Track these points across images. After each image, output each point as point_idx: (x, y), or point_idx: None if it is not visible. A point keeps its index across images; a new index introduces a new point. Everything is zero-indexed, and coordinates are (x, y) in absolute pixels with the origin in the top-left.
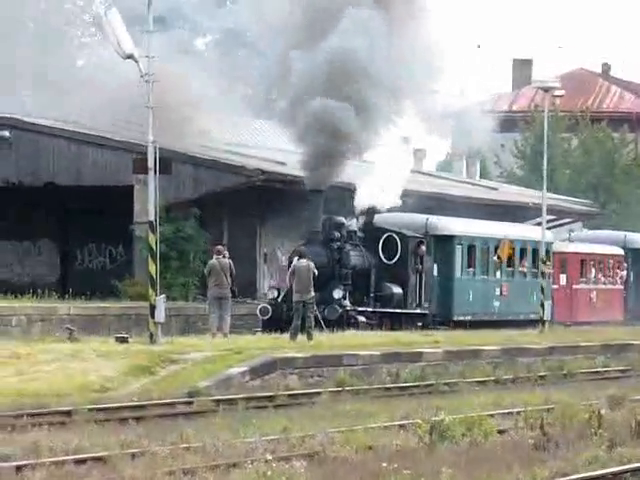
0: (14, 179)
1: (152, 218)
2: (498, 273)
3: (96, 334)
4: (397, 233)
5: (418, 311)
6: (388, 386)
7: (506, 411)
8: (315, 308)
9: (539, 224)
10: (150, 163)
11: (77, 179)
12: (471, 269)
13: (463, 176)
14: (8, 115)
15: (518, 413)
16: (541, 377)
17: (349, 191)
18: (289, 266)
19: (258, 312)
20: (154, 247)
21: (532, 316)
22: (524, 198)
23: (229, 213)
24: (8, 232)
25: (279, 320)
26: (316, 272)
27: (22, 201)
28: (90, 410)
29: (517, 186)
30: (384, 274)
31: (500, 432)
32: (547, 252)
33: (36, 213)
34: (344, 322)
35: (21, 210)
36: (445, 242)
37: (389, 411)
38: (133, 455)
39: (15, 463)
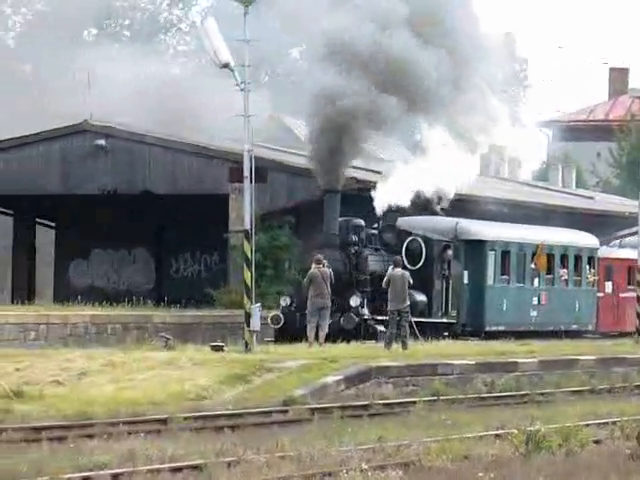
0: (110, 187)
1: (247, 227)
2: (536, 281)
3: (191, 342)
4: (422, 237)
5: (444, 320)
6: (483, 395)
7: (602, 421)
8: (410, 317)
9: (635, 234)
10: (246, 172)
11: (173, 187)
12: (505, 276)
13: (559, 185)
14: (104, 124)
15: (614, 423)
16: (637, 387)
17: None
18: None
19: (269, 321)
20: (249, 255)
21: (574, 327)
22: (620, 207)
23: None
24: (104, 240)
25: (292, 329)
26: (411, 281)
27: (118, 209)
28: (186, 418)
29: (613, 195)
30: None
31: (596, 442)
32: (591, 258)
33: (132, 221)
34: (361, 332)
35: (117, 218)
36: (476, 247)
37: (484, 421)
38: (229, 464)
39: (111, 471)
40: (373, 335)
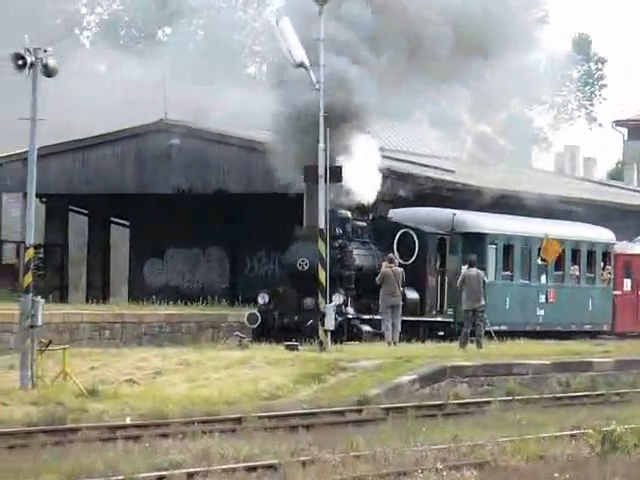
0: (184, 186)
1: (322, 225)
2: (543, 277)
3: (265, 341)
4: (414, 229)
5: (439, 319)
6: (558, 395)
7: None
8: (485, 317)
9: None
10: (321, 171)
11: (247, 186)
12: (508, 272)
13: (634, 184)
14: (178, 122)
15: None
16: None
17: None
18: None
19: (245, 320)
20: (324, 255)
21: (587, 327)
22: None
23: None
24: (178, 239)
25: (270, 328)
26: (486, 280)
27: (192, 208)
28: (260, 417)
29: None
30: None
31: None
32: (606, 254)
33: (206, 220)
34: (344, 332)
35: (191, 217)
36: (475, 241)
37: (559, 420)
38: (303, 463)
39: (186, 470)
40: (357, 335)
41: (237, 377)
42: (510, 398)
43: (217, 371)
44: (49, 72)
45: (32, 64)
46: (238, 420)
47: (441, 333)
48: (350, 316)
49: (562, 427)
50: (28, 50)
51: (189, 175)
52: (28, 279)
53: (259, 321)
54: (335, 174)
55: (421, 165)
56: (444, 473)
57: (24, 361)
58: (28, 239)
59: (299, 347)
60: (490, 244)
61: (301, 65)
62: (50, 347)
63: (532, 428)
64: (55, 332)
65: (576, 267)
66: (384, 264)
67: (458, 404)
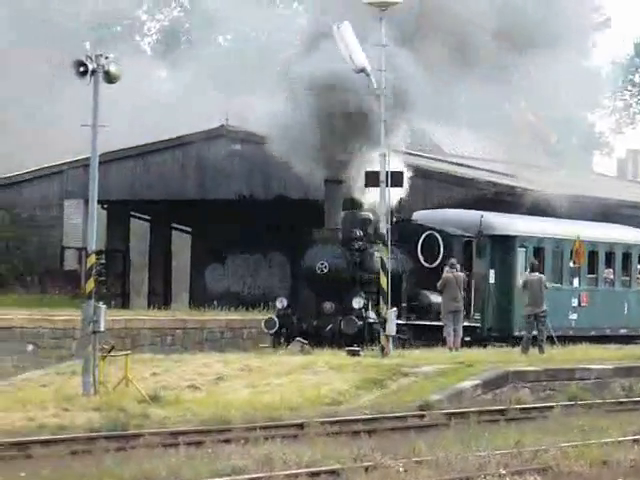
0: (245, 192)
1: (383, 231)
2: (576, 281)
3: (327, 347)
4: (439, 232)
5: (466, 324)
6: (621, 400)
7: None
8: (547, 321)
9: None
10: (382, 176)
11: (306, 192)
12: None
13: None
14: (239, 129)
15: None
16: None
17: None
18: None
19: (263, 325)
20: (385, 260)
21: (623, 331)
22: None
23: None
24: (240, 245)
25: (289, 333)
26: (548, 286)
27: (254, 214)
28: (322, 423)
29: None
30: (422, 280)
31: None
32: None
33: (267, 226)
34: (365, 337)
35: (252, 223)
36: (504, 243)
37: (622, 425)
38: (366, 468)
39: (249, 476)
40: (379, 340)
41: (299, 382)
42: (572, 403)
43: (279, 376)
44: (110, 79)
45: (94, 71)
46: (300, 426)
47: (467, 339)
48: (371, 321)
49: (625, 432)
50: (89, 57)
51: (250, 181)
52: (90, 285)
53: (277, 326)
54: (396, 179)
55: (480, 169)
56: (507, 478)
57: (86, 367)
58: (90, 245)
59: (361, 352)
60: (519, 247)
61: (362, 70)
62: (112, 353)
63: (595, 433)
64: (117, 338)
65: (610, 270)
66: (446, 269)
67: (520, 409)
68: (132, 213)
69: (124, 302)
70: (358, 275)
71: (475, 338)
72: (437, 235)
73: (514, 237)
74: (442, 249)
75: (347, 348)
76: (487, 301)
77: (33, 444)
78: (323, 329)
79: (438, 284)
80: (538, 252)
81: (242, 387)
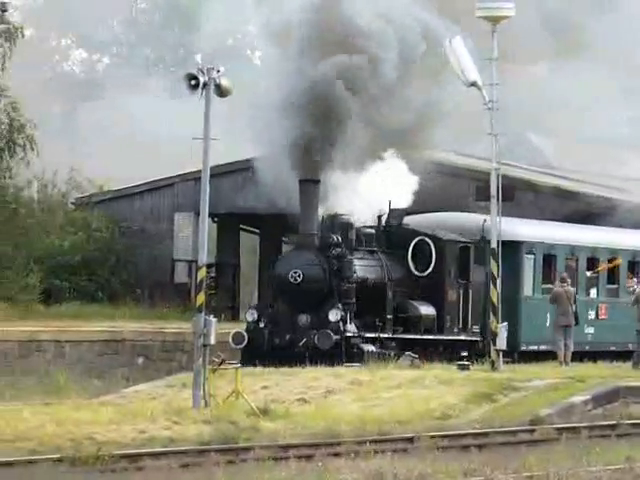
0: None
1: (494, 245)
2: (593, 291)
3: (436, 361)
4: (431, 237)
5: (463, 337)
6: None
7: None
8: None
9: None
10: (493, 190)
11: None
12: (549, 285)
13: None
14: None
15: None
16: None
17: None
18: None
19: (230, 340)
20: (496, 273)
21: None
22: None
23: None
24: None
25: (259, 348)
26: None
27: None
28: (432, 437)
29: None
30: (412, 290)
31: None
32: None
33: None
34: (342, 352)
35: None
36: (509, 250)
37: None
38: None
39: None
40: (358, 356)
41: (408, 396)
42: None
43: (388, 390)
44: (222, 92)
45: (205, 84)
46: (410, 439)
47: (464, 353)
48: (349, 334)
49: None
50: (201, 70)
51: None
52: (201, 298)
53: (245, 341)
54: (507, 194)
55: (586, 182)
56: None
57: (197, 380)
58: (201, 258)
59: (470, 366)
60: (527, 253)
61: (473, 84)
62: (222, 366)
63: None
64: (228, 351)
65: (635, 280)
66: (556, 283)
67: (632, 424)
68: (242, 226)
69: (234, 315)
70: (335, 285)
71: (474, 353)
72: (429, 241)
73: (520, 243)
74: (434, 256)
75: (457, 362)
76: (489, 313)
77: (144, 456)
78: (297, 344)
79: (549, 298)
80: (548, 259)
81: (352, 401)
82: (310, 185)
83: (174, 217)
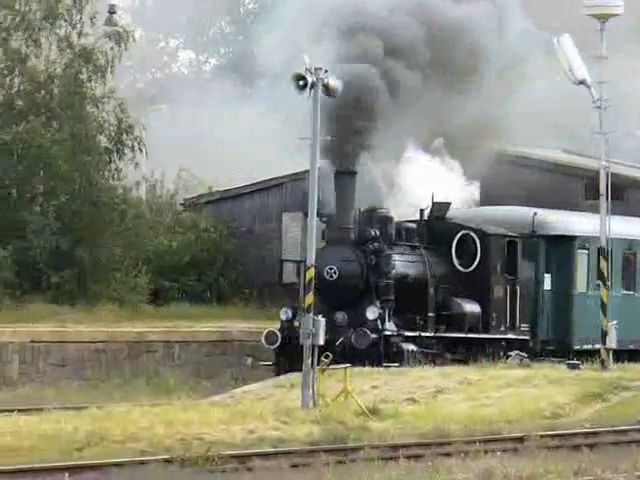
0: None
1: (603, 243)
2: None
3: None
4: (476, 231)
5: (511, 336)
6: None
7: None
8: None
9: None
10: (602, 189)
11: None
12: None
13: None
14: None
15: None
16: None
17: None
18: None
19: (263, 340)
20: (605, 273)
21: None
22: None
23: None
24: None
25: (294, 349)
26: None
27: None
28: (542, 436)
29: None
30: (456, 286)
31: None
32: None
33: None
34: (381, 352)
35: None
36: (561, 245)
37: None
38: None
39: None
40: (398, 356)
41: (518, 396)
42: None
43: (498, 390)
44: (330, 92)
45: (313, 84)
46: (520, 439)
47: (512, 353)
48: (388, 333)
49: None
50: (309, 70)
51: None
52: (309, 299)
53: (279, 341)
54: (617, 192)
55: None
56: None
57: (305, 380)
58: (309, 259)
59: (580, 366)
60: (580, 249)
61: (582, 82)
62: (331, 366)
63: None
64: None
65: None
66: None
67: None
68: None
69: None
70: (373, 281)
71: (526, 353)
72: (474, 235)
73: (574, 238)
74: (479, 251)
75: (567, 362)
76: (540, 311)
77: (253, 457)
78: (333, 343)
79: None
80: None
81: (461, 400)
82: (346, 177)
83: (282, 217)
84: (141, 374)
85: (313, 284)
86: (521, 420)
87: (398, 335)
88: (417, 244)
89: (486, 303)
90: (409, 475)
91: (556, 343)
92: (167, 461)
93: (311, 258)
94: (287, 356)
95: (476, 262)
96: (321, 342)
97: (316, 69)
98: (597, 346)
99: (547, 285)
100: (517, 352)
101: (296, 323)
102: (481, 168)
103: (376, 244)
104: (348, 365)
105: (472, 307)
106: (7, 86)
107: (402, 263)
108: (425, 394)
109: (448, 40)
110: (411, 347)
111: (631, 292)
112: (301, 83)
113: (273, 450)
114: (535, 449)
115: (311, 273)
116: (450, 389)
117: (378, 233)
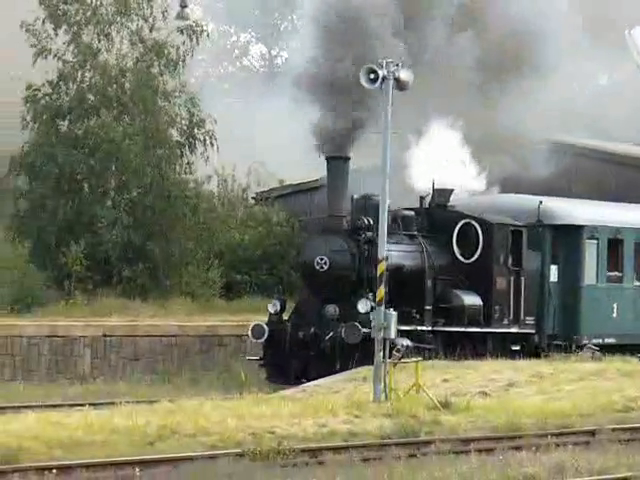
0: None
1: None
2: None
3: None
4: (478, 220)
5: (515, 330)
6: None
7: None
8: None
9: None
10: None
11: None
12: (615, 273)
13: None
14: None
15: None
16: None
17: None
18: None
19: (249, 333)
20: None
21: None
22: None
23: None
24: None
25: (282, 343)
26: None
27: None
28: (614, 430)
29: None
30: (456, 278)
31: None
32: None
33: None
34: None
35: None
36: (569, 235)
37: None
38: None
39: None
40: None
41: (590, 389)
42: None
43: (570, 383)
44: (401, 86)
45: (384, 78)
46: (592, 432)
47: (516, 347)
48: None
49: None
50: (380, 64)
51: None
52: (381, 292)
53: (266, 334)
54: None
55: None
56: None
57: (377, 373)
58: (380, 252)
59: None
60: (588, 238)
61: None
62: (403, 359)
63: None
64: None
65: None
66: None
67: None
68: None
69: None
70: (366, 272)
71: (528, 347)
72: (475, 224)
73: (581, 227)
74: (481, 240)
75: (639, 355)
76: (546, 304)
77: (324, 450)
78: (323, 337)
79: None
80: (615, 244)
81: (533, 394)
82: (338, 162)
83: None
84: (212, 368)
85: (385, 277)
86: (593, 413)
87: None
88: (415, 233)
89: (488, 295)
90: (480, 469)
91: (563, 338)
92: (238, 455)
93: (382, 251)
94: (275, 350)
95: (478, 252)
96: (392, 335)
97: (387, 63)
98: (608, 341)
99: (553, 277)
100: (589, 345)
101: (285, 316)
102: (536, 159)
103: (369, 233)
104: (419, 359)
105: (473, 299)
106: (79, 80)
107: (398, 253)
108: (497, 387)
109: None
110: (406, 342)
111: None
112: (372, 77)
113: (344, 444)
114: (607, 443)
115: (382, 266)
116: (522, 382)
117: (372, 221)
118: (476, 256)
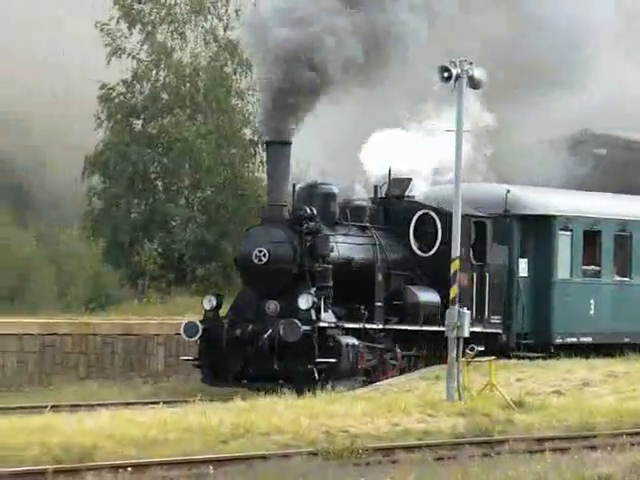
0: None
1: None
2: None
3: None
4: (436, 211)
5: (479, 329)
6: None
7: None
8: None
9: None
10: None
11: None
12: (592, 267)
13: None
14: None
15: None
16: None
17: None
18: None
19: (182, 331)
20: None
21: None
22: None
23: None
24: None
25: (218, 341)
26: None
27: None
28: None
29: None
30: (413, 272)
31: None
32: None
33: None
34: (315, 346)
35: None
36: (539, 226)
37: None
38: None
39: None
40: (335, 351)
41: None
42: None
43: None
44: (475, 84)
45: (458, 76)
46: None
47: (481, 348)
48: (324, 324)
49: None
50: (454, 62)
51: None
52: (454, 291)
53: (199, 332)
54: None
55: None
56: None
57: (451, 372)
58: (454, 251)
59: None
60: (561, 229)
61: None
62: (476, 358)
63: None
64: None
65: None
66: None
67: None
68: None
69: None
70: (308, 266)
71: (495, 348)
72: (434, 215)
73: (553, 217)
74: (440, 233)
75: None
76: (515, 301)
77: (398, 449)
78: (261, 335)
79: None
80: (591, 237)
81: (607, 393)
82: (278, 148)
83: None
84: None
85: (458, 275)
86: None
87: (336, 327)
88: (367, 224)
89: (448, 292)
90: (555, 469)
91: (534, 337)
92: (312, 454)
93: (456, 251)
94: (212, 349)
95: (437, 246)
96: (466, 334)
97: (461, 61)
98: (583, 340)
99: (523, 271)
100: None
101: (221, 312)
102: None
103: (312, 224)
104: (493, 357)
105: (429, 296)
106: (153, 79)
107: (346, 245)
108: (571, 387)
109: None
110: (351, 341)
111: (624, 278)
112: (445, 75)
113: (418, 443)
114: None
115: (455, 265)
116: (596, 382)
117: (316, 211)
118: (434, 250)
